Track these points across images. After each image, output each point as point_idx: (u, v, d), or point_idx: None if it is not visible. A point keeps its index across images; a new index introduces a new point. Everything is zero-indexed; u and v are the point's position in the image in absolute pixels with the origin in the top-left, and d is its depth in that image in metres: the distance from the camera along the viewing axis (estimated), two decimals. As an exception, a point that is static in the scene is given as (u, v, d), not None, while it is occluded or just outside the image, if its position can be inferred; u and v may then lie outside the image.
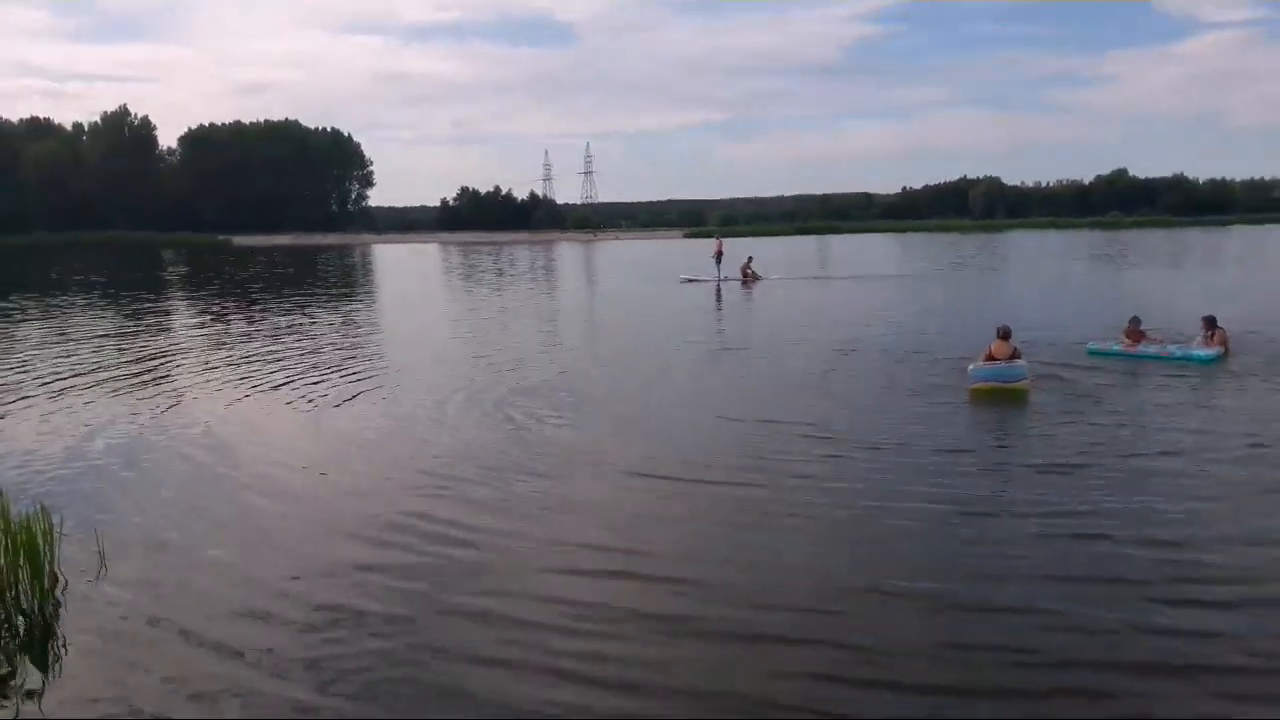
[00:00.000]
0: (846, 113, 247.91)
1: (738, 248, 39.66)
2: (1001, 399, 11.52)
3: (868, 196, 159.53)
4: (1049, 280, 32.64)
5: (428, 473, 8.50)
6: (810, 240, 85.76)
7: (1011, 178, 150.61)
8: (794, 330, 18.76)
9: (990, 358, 12.22)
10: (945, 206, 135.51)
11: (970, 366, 12.29)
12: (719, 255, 34.62)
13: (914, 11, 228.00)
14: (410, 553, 6.45)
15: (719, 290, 30.53)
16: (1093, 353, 14.50)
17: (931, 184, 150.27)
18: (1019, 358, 12.20)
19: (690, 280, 33.46)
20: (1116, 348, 14.43)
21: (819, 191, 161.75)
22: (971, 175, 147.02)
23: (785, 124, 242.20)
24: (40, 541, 5.78)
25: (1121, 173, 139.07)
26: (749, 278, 32.92)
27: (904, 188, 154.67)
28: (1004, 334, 12.43)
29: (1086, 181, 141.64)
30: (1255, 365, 13.37)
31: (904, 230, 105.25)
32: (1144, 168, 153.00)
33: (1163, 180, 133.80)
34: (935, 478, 8.06)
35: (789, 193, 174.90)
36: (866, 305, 24.35)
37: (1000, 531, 6.81)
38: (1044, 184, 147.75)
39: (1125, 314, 15.53)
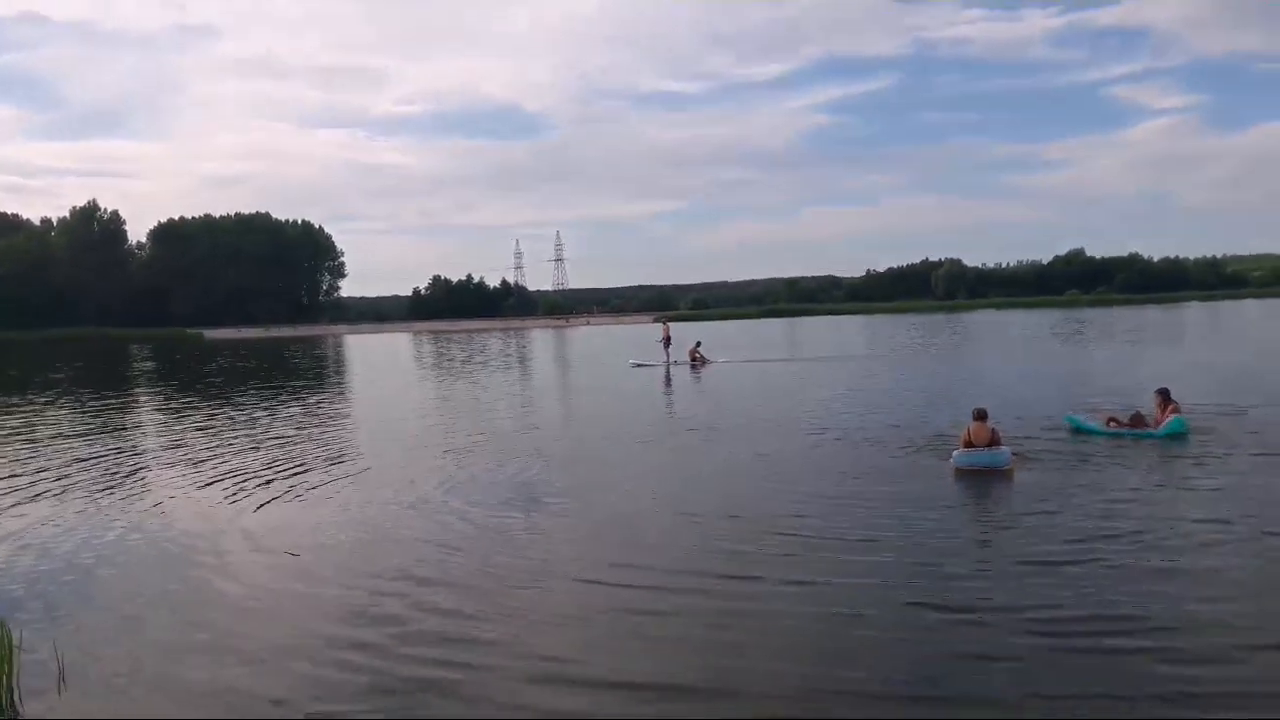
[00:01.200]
0: (808, 199, 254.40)
1: (703, 331, 40.29)
2: (983, 479, 11.63)
3: (834, 279, 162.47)
4: (1014, 357, 33.26)
5: (401, 571, 8.36)
6: (779, 323, 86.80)
7: (972, 259, 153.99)
8: (759, 413, 18.92)
9: (968, 443, 12.28)
10: (909, 288, 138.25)
11: (953, 454, 12.35)
12: (667, 340, 35.59)
13: (864, 103, 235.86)
14: (384, 660, 6.30)
15: (668, 374, 31.00)
16: (1075, 426, 14.81)
17: (895, 266, 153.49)
18: (999, 441, 12.26)
19: (640, 365, 34.05)
20: (1094, 424, 14.64)
21: (786, 275, 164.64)
22: (933, 257, 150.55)
23: (749, 211, 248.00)
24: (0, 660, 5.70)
25: (1079, 252, 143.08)
26: (698, 361, 33.50)
27: (868, 270, 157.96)
28: (979, 415, 12.46)
29: (1045, 261, 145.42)
30: (1226, 439, 13.60)
31: (870, 312, 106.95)
32: (1100, 247, 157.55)
33: (1118, 259, 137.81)
34: (916, 576, 7.84)
35: (758, 276, 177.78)
36: (829, 386, 24.61)
37: (987, 637, 6.56)
38: (1004, 264, 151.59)
39: (1091, 388, 15.89)
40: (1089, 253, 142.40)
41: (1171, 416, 14.14)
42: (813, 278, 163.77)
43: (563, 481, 12.56)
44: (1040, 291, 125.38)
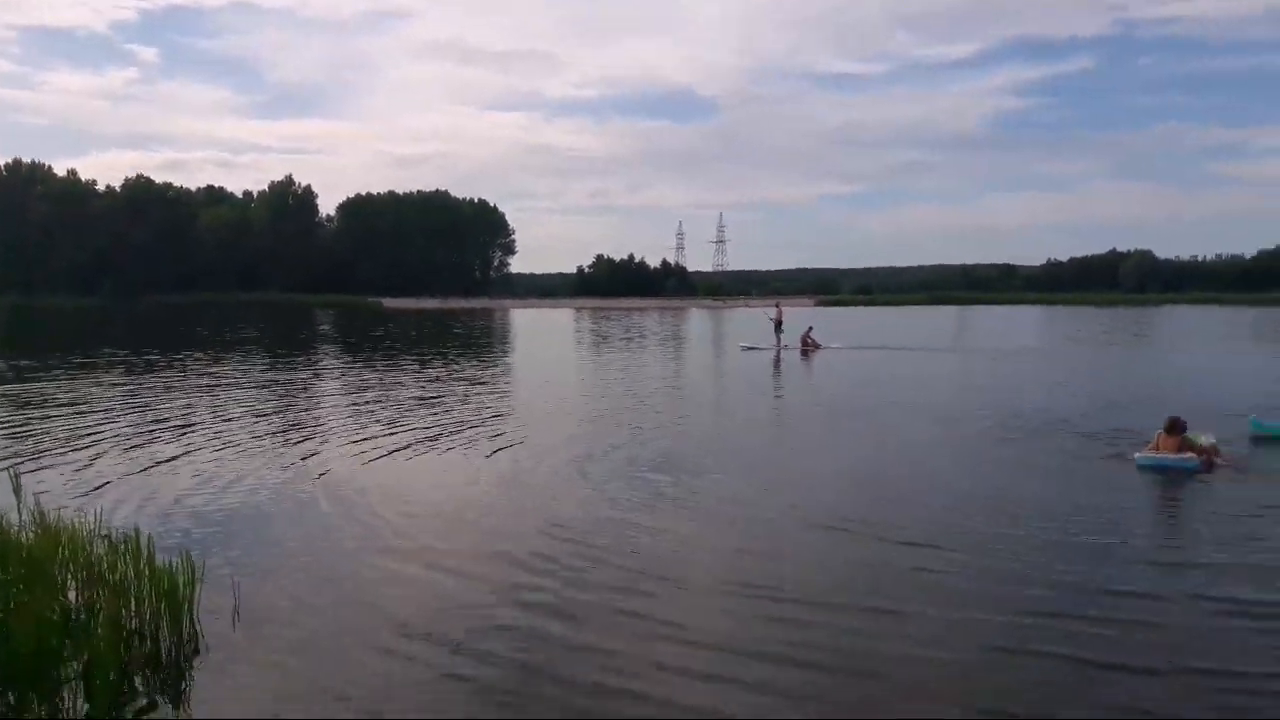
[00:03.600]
0: (989, 185, 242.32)
1: (859, 316, 39.17)
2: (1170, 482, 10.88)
3: (1010, 268, 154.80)
4: (1208, 357, 30.67)
5: (566, 537, 8.47)
6: (947, 310, 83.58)
7: (1164, 251, 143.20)
8: (886, 401, 18.37)
9: (1156, 449, 11.51)
10: (1092, 279, 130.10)
11: (1136, 455, 11.62)
12: (779, 323, 34.51)
13: (1057, 86, 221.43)
14: (539, 617, 6.50)
15: (778, 358, 30.39)
16: (1257, 427, 13.32)
17: (1078, 256, 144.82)
18: (1192, 450, 11.34)
19: (750, 348, 33.52)
20: None
21: (958, 262, 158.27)
22: (1121, 248, 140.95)
23: (926, 196, 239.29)
24: (181, 589, 6.16)
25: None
26: (810, 346, 32.73)
27: (1049, 259, 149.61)
28: (1170, 428, 11.53)
29: (1249, 256, 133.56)
30: None
31: (1050, 303, 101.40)
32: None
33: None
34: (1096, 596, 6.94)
35: (927, 263, 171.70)
36: (948, 379, 23.63)
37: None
38: (1200, 258, 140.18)
39: None
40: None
41: None
42: (989, 265, 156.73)
43: (715, 463, 12.51)
44: (1243, 288, 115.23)
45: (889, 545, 8.23)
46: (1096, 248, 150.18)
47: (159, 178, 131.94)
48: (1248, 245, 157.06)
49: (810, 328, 34.33)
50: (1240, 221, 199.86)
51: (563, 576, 7.39)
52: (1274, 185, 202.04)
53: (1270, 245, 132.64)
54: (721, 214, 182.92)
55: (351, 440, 13.75)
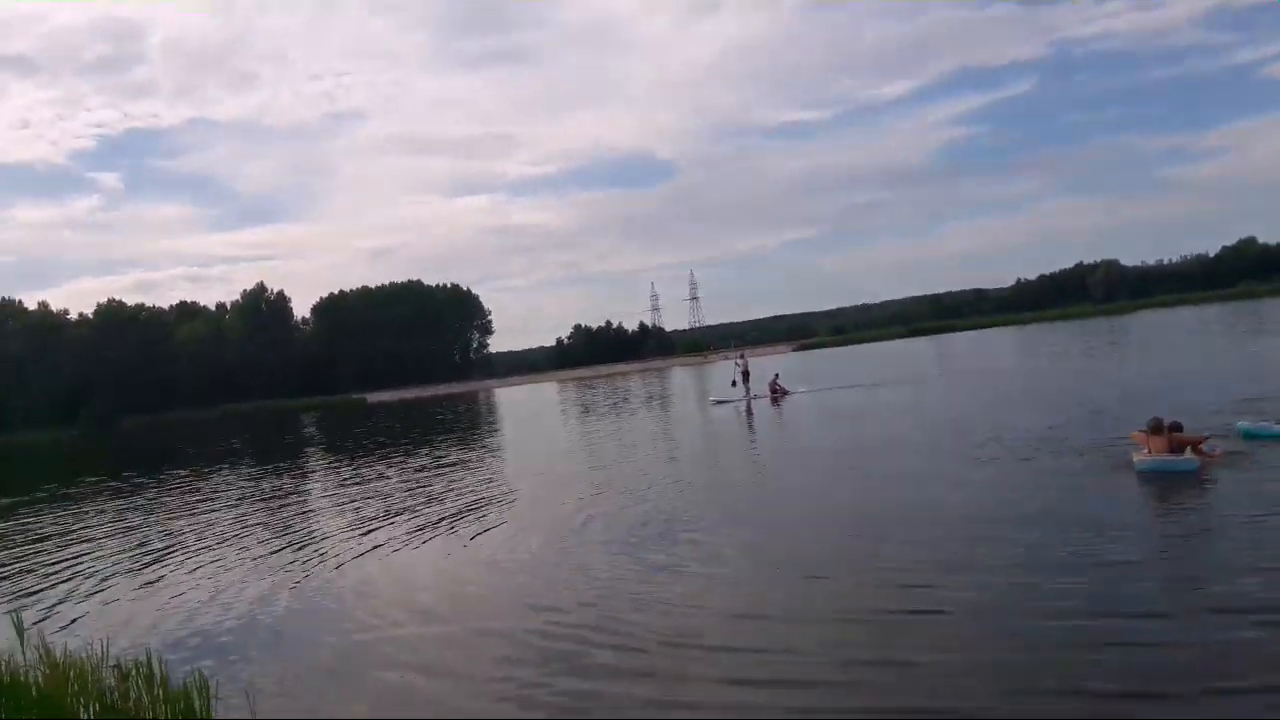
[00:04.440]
0: (947, 214, 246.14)
1: (840, 355, 39.55)
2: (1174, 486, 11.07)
3: (979, 292, 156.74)
4: (1183, 357, 31.19)
5: (576, 621, 8.38)
6: (921, 342, 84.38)
7: (1130, 259, 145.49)
8: (859, 441, 18.54)
9: (1149, 450, 11.78)
10: (1064, 295, 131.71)
11: (1135, 459, 11.84)
12: (745, 373, 34.66)
13: (1001, 111, 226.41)
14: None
15: (749, 407, 30.62)
16: (1248, 434, 13.32)
17: (1046, 273, 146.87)
18: (1182, 448, 11.62)
19: (720, 401, 33.66)
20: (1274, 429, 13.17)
21: (929, 292, 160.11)
22: (1087, 261, 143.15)
23: (885, 232, 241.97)
24: (197, 708, 6.19)
25: (1250, 241, 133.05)
26: (778, 393, 32.99)
27: (1018, 279, 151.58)
28: (1154, 428, 11.83)
29: (1212, 254, 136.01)
30: None
31: (1022, 323, 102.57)
32: (1272, 234, 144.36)
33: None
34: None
35: (898, 296, 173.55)
36: (913, 412, 23.88)
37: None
38: (1166, 261, 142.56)
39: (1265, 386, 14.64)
40: (1261, 240, 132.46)
41: None
42: (957, 292, 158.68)
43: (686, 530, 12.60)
44: (1210, 286, 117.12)
45: (887, 590, 8.20)
46: (1063, 263, 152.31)
47: (130, 299, 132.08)
48: (1210, 244, 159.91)
49: (776, 374, 34.85)
50: (1198, 222, 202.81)
51: (577, 668, 7.31)
52: (1224, 184, 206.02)
53: (1231, 241, 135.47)
54: (692, 271, 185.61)
55: (347, 541, 13.71)
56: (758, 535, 11.17)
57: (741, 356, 37.49)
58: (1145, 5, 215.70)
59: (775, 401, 32.05)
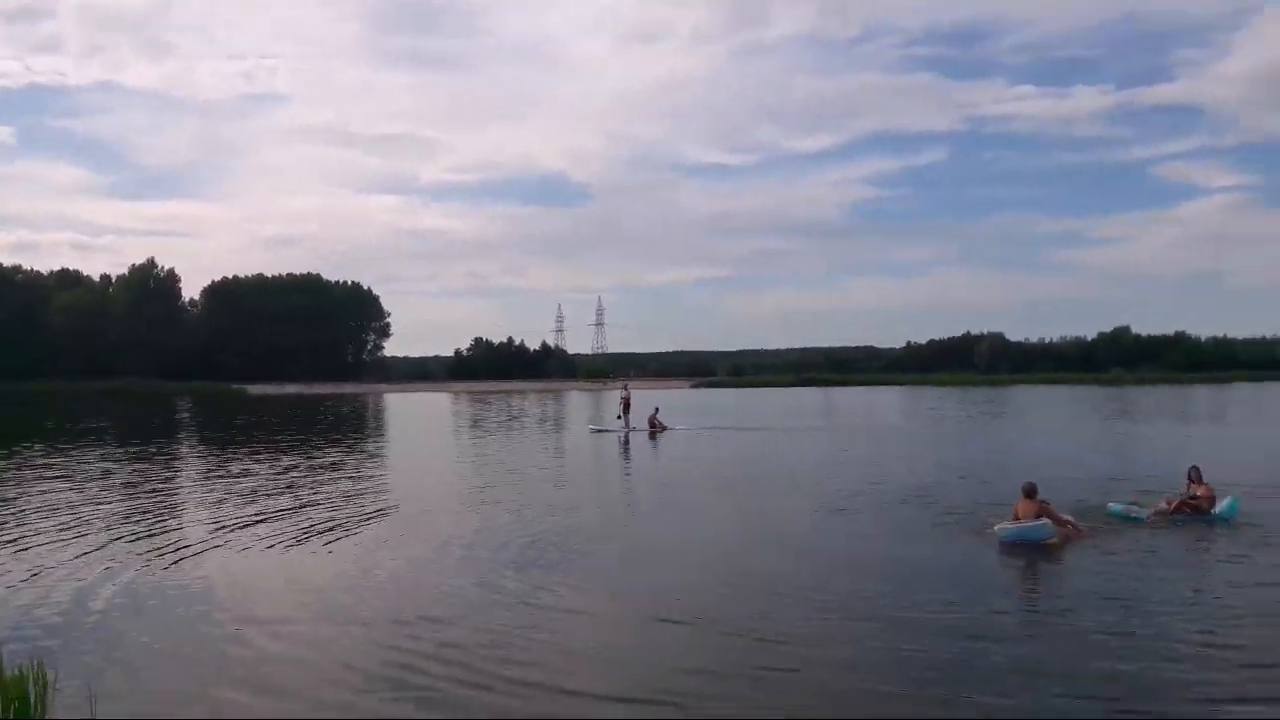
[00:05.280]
0: (847, 270, 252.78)
1: (738, 398, 40.43)
2: (1029, 553, 11.76)
3: (872, 350, 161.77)
4: (1056, 433, 33.01)
5: (434, 619, 8.73)
6: (812, 391, 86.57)
7: (1015, 334, 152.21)
8: (741, 477, 19.15)
9: (1016, 518, 12.48)
10: (950, 361, 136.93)
11: (996, 527, 12.56)
12: (626, 405, 35.60)
13: (911, 177, 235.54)
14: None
15: (627, 439, 31.51)
16: (1115, 515, 14.19)
17: (936, 339, 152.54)
18: (1045, 516, 12.35)
19: (599, 430, 34.91)
20: (1139, 514, 14.04)
21: (824, 344, 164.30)
22: (975, 331, 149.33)
23: (790, 280, 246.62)
24: (32, 699, 6.02)
25: (1124, 330, 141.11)
26: (656, 428, 34.06)
27: (908, 342, 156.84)
28: (1028, 492, 12.66)
29: (1090, 338, 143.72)
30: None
31: (908, 383, 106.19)
32: (1147, 325, 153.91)
33: (1165, 338, 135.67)
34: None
35: (795, 345, 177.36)
36: (798, 454, 24.71)
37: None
38: (1048, 340, 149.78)
39: (1132, 467, 15.63)
40: (1135, 330, 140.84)
41: (1217, 496, 14.00)
42: (852, 347, 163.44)
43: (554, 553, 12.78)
44: (1085, 368, 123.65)
45: (743, 641, 8.34)
46: (953, 331, 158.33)
47: (8, 260, 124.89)
48: (1088, 328, 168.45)
49: (656, 409, 35.79)
50: (1081, 305, 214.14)
51: (422, 671, 7.51)
52: (1108, 271, 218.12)
53: (1108, 328, 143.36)
54: (600, 297, 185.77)
55: (203, 535, 13.43)
56: (609, 566, 11.45)
57: (625, 387, 38.04)
58: (1053, 95, 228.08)
59: (652, 435, 32.87)
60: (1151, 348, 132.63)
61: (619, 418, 35.30)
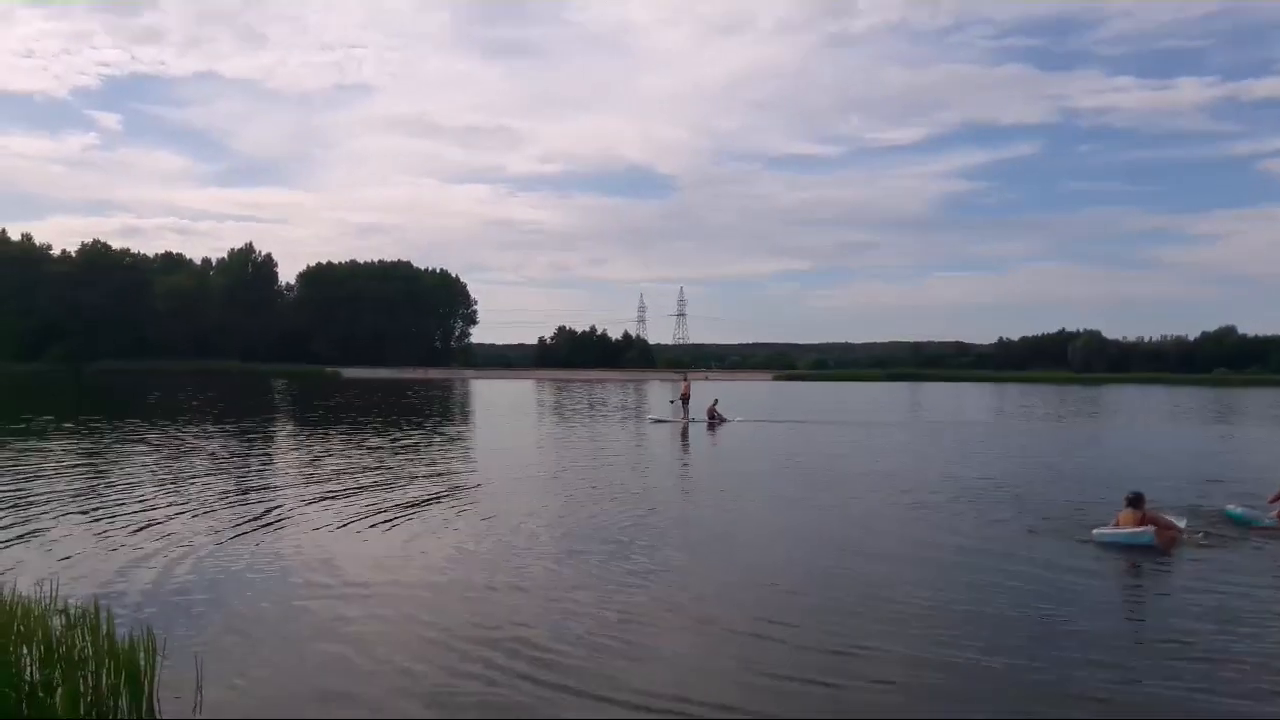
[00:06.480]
0: (934, 264, 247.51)
1: (819, 391, 39.79)
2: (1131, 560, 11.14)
3: (962, 345, 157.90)
4: (1164, 434, 31.52)
5: (528, 600, 8.64)
6: (898, 386, 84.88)
7: (1111, 332, 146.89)
8: (811, 472, 18.64)
9: (1117, 525, 11.88)
10: (1043, 358, 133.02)
11: (1094, 531, 12.02)
12: (686, 397, 35.50)
13: (1002, 170, 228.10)
14: (503, 689, 6.59)
15: (686, 430, 31.19)
16: (1234, 518, 13.35)
17: (1029, 335, 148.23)
18: (1150, 524, 11.64)
19: (658, 420, 34.81)
20: (1263, 518, 13.14)
21: (910, 339, 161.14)
22: (1070, 328, 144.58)
23: (875, 274, 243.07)
24: (142, 664, 6.11)
25: (1229, 330, 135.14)
26: (715, 419, 33.87)
27: (1000, 338, 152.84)
28: (1132, 502, 11.92)
29: (1191, 338, 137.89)
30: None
31: (1000, 380, 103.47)
32: (1252, 326, 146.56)
33: (1273, 338, 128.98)
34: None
35: (879, 339, 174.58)
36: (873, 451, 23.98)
37: None
38: (1146, 339, 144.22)
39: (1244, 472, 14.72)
40: (1240, 330, 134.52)
41: None
42: (940, 343, 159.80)
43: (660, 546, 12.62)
44: (1186, 369, 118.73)
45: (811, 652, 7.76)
46: (1046, 327, 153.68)
47: (116, 244, 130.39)
48: (1190, 327, 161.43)
49: (715, 401, 35.57)
50: (1181, 303, 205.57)
51: (528, 659, 7.42)
52: (1207, 269, 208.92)
53: (1211, 327, 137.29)
54: (682, 288, 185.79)
55: (309, 512, 13.65)
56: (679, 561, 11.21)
57: (684, 379, 38.30)
58: (1154, 86, 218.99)
59: (711, 427, 32.72)
60: (1259, 349, 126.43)
61: (672, 402, 35.73)
